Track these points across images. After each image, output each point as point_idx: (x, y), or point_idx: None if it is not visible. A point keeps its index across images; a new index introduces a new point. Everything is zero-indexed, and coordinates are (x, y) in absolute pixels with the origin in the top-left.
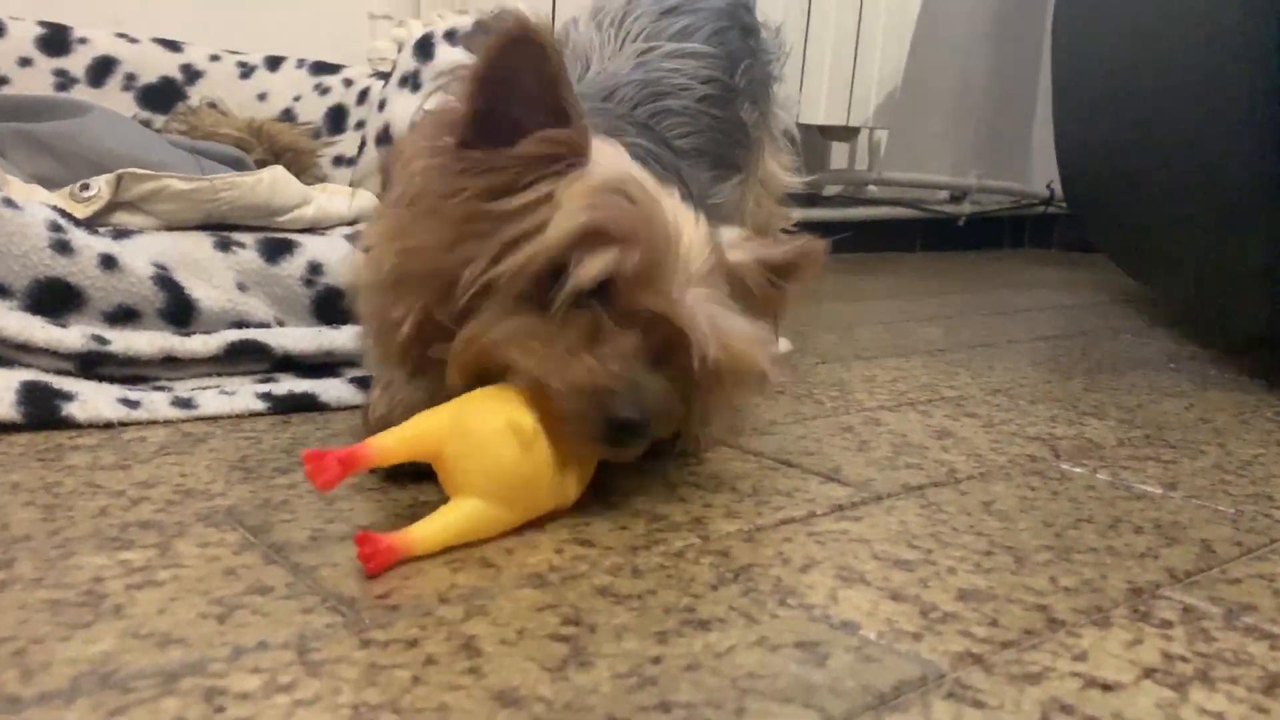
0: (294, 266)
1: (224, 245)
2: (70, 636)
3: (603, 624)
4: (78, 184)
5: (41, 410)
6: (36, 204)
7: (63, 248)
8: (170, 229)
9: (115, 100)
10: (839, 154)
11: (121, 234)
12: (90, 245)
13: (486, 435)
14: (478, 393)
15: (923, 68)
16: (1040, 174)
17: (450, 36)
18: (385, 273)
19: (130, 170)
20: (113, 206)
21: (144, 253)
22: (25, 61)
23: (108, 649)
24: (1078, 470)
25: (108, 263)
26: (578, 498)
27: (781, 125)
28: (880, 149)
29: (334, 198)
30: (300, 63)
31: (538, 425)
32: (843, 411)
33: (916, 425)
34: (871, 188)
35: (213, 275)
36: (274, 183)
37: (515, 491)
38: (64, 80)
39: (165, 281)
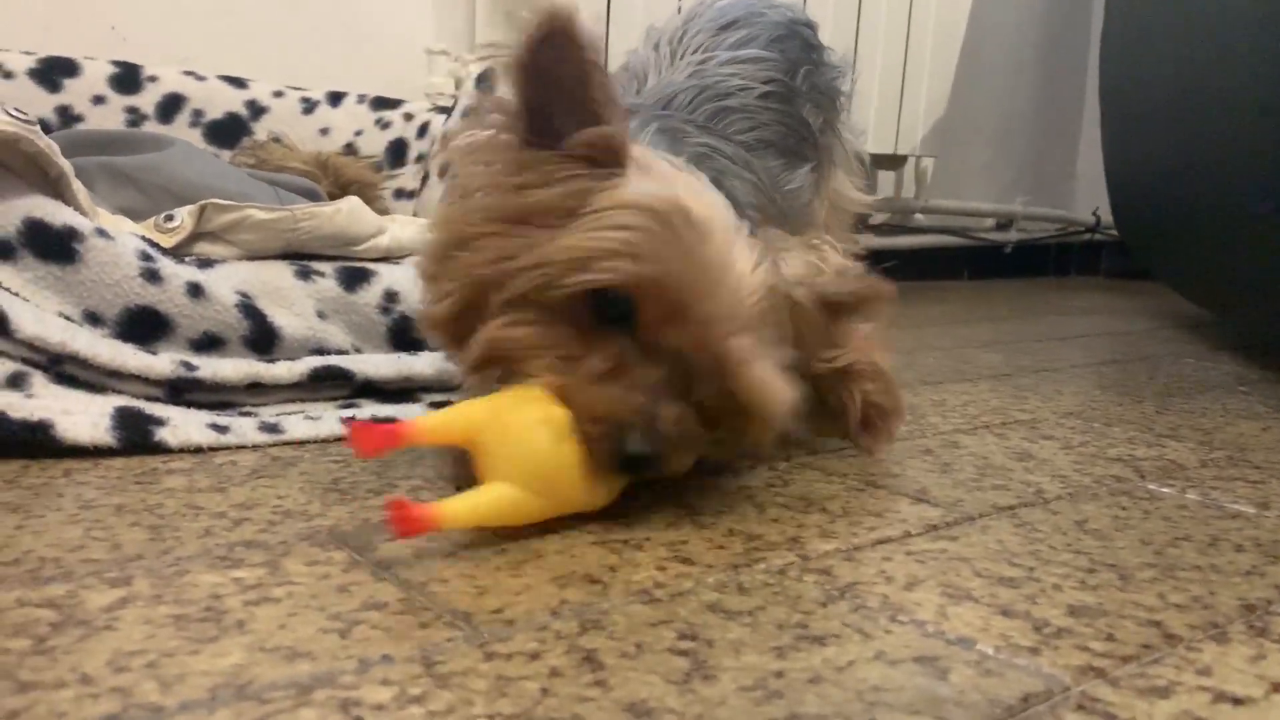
0: (371, 295)
1: (304, 274)
2: (199, 650)
3: (719, 639)
4: (162, 215)
5: (135, 435)
6: (126, 234)
7: (152, 276)
8: (251, 258)
9: (183, 136)
10: (886, 182)
11: (205, 263)
12: (178, 274)
13: (521, 424)
14: (515, 390)
15: (968, 96)
16: (1086, 201)
17: None
18: (438, 248)
19: (213, 201)
20: (195, 237)
21: (228, 281)
22: (99, 99)
23: (238, 662)
24: (1165, 490)
25: (195, 291)
26: (606, 503)
27: (851, 146)
28: (927, 177)
29: (406, 227)
30: (361, 98)
31: (570, 422)
32: (919, 435)
33: (995, 448)
34: (918, 216)
35: (294, 303)
36: (351, 212)
37: (544, 481)
38: (135, 117)
39: (249, 309)
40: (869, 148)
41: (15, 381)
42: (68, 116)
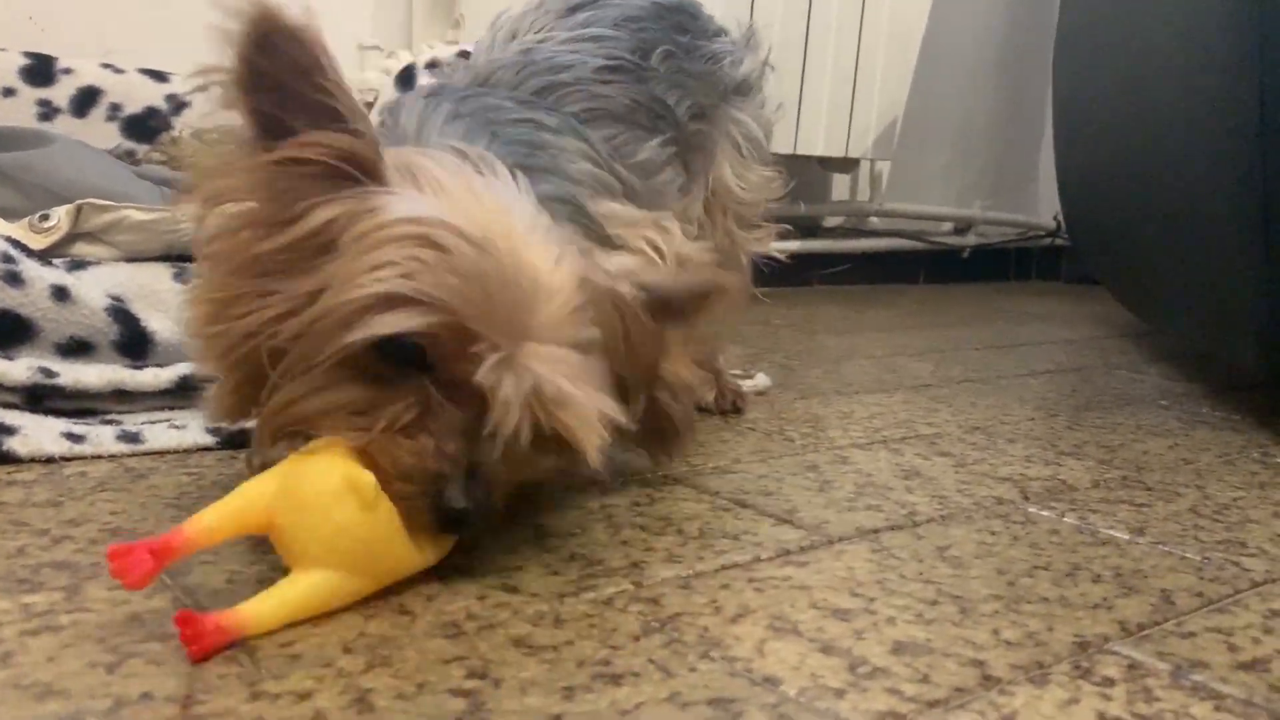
0: None
1: (184, 276)
2: None
3: (510, 677)
4: (37, 215)
5: None
6: None
7: (13, 279)
8: (132, 260)
9: (99, 130)
10: (840, 185)
11: (78, 265)
12: (42, 277)
13: (322, 498)
14: (310, 450)
15: (926, 98)
16: (1047, 205)
17: (432, 67)
18: (197, 323)
19: (89, 201)
20: (73, 237)
21: (100, 284)
22: (9, 92)
23: None
24: (1045, 513)
25: (60, 294)
26: (438, 560)
27: (744, 130)
28: (882, 180)
29: None
30: None
31: (377, 483)
32: (811, 450)
33: (885, 464)
34: (873, 219)
35: (170, 307)
36: None
37: (360, 558)
38: (47, 110)
39: (119, 313)
40: (820, 151)
41: None
42: None
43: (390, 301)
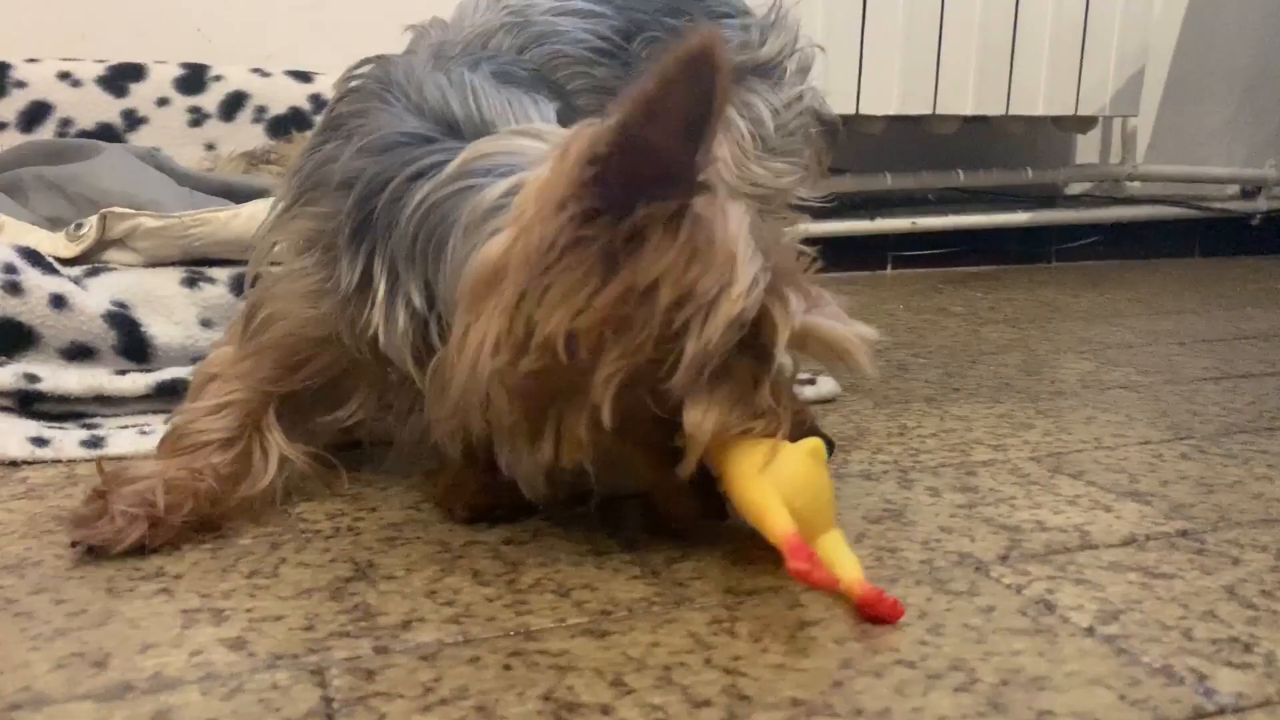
0: None
1: (192, 281)
2: None
3: None
4: (74, 224)
5: None
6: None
7: (13, 289)
8: (154, 265)
9: (247, 132)
10: (1088, 148)
11: (93, 272)
12: (41, 285)
13: (808, 474)
14: (749, 451)
15: (1203, 45)
16: None
17: None
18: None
19: (112, 209)
20: (105, 244)
21: (106, 291)
22: (163, 101)
23: None
24: (1003, 584)
25: (58, 302)
26: None
27: (751, 116)
28: (1136, 140)
29: None
30: None
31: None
32: None
33: (871, 500)
34: (1131, 185)
35: (174, 312)
36: (252, 218)
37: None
38: (198, 116)
39: (118, 319)
40: (1040, 110)
41: None
42: (132, 120)
43: (741, 295)
